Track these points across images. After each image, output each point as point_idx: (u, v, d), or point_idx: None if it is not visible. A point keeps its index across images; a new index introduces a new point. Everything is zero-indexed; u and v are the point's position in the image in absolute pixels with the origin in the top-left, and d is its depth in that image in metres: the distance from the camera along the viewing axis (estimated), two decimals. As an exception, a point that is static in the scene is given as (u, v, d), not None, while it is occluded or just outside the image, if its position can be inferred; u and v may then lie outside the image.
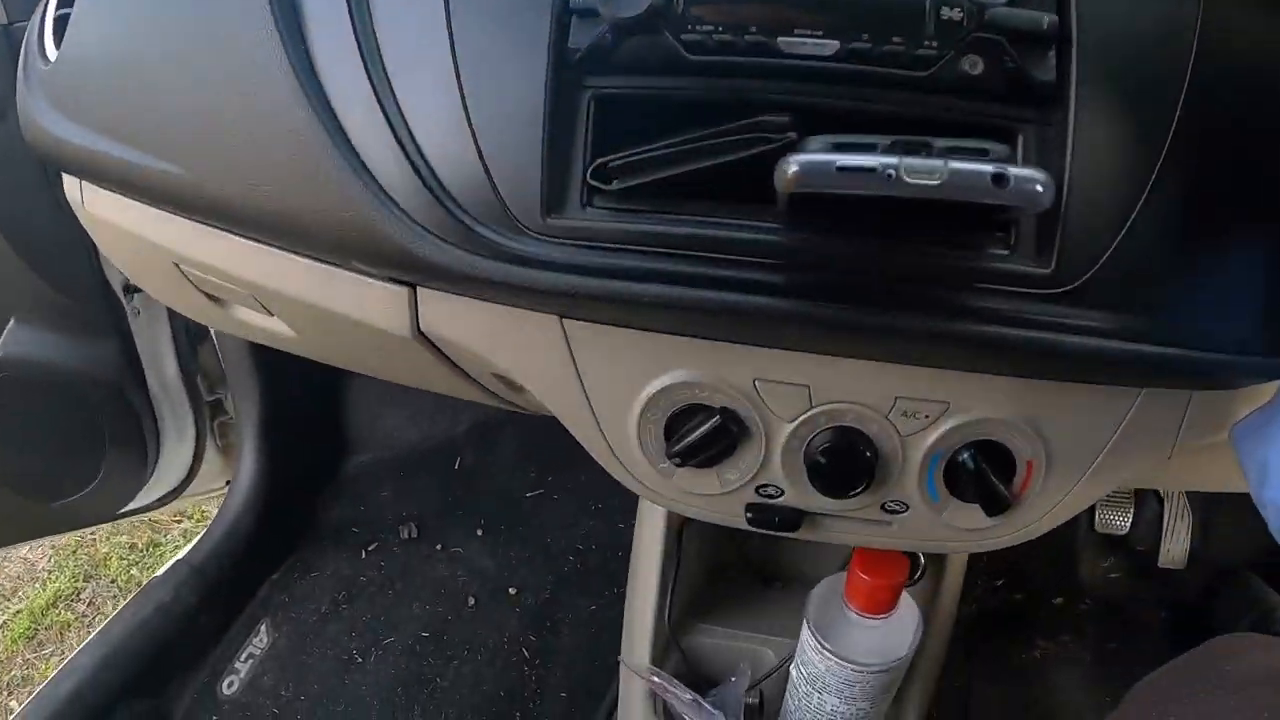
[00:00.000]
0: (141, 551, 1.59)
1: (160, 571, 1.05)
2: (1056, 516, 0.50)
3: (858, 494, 0.46)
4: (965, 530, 0.50)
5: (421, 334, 0.49)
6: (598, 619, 1.05)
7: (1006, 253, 0.37)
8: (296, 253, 0.47)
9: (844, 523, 0.49)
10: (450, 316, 0.47)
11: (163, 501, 1.06)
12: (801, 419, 0.46)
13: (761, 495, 0.49)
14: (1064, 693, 0.92)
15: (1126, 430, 0.44)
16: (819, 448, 0.46)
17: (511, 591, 1.10)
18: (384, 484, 1.24)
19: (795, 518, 0.48)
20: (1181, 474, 0.59)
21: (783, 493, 0.48)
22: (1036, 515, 0.50)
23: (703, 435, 0.45)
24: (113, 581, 1.52)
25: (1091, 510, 0.96)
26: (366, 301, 0.48)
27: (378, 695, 0.99)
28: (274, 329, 0.61)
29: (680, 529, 0.71)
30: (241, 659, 1.04)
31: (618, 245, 0.39)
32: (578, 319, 0.45)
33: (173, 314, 0.96)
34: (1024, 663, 0.95)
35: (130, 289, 0.89)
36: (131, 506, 1.01)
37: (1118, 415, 0.44)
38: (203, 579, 1.03)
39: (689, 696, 0.57)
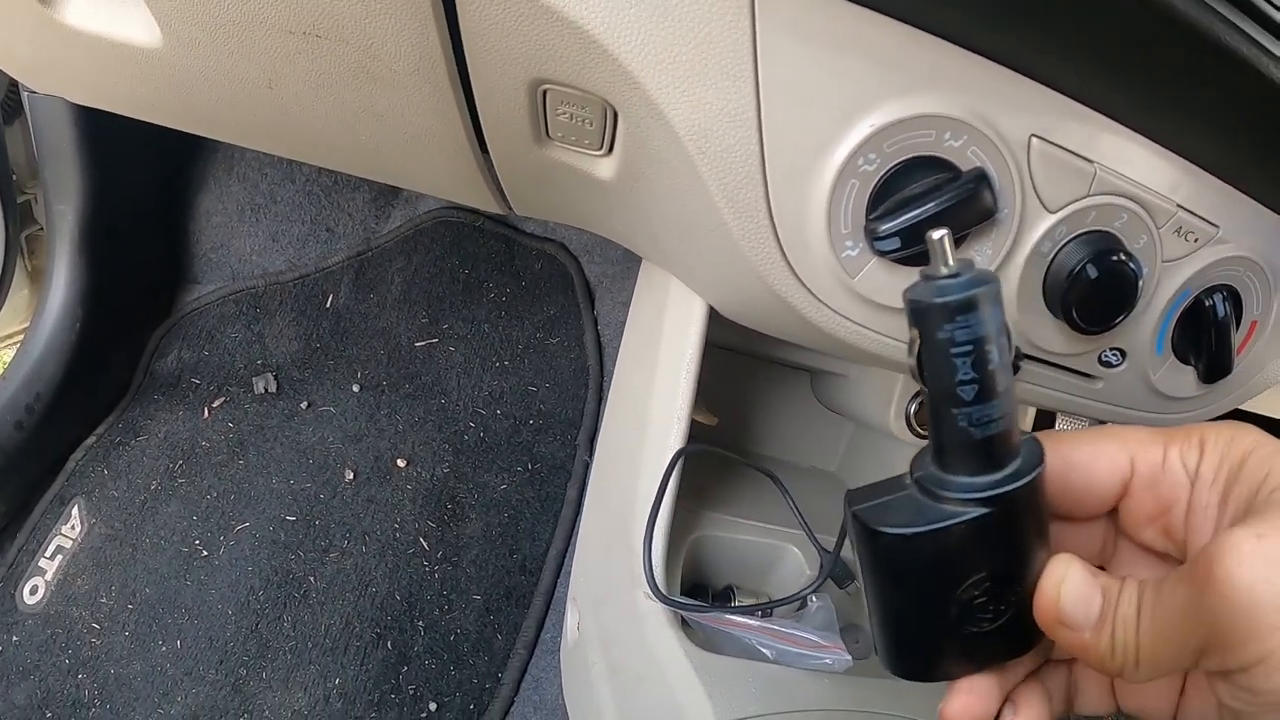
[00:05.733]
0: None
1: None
2: (1241, 397, 0.42)
3: (1114, 327, 0.33)
4: (1167, 399, 0.40)
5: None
6: (511, 501, 0.85)
7: None
8: None
9: (1050, 373, 0.36)
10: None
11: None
12: (1071, 209, 0.32)
13: (969, 321, 0.34)
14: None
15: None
16: (1083, 258, 0.32)
17: (400, 464, 0.87)
18: (233, 323, 0.94)
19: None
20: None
21: (997, 320, 0.34)
22: (1234, 393, 0.41)
23: (941, 205, 0.29)
24: None
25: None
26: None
27: (232, 600, 0.74)
28: (126, 35, 0.40)
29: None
30: (47, 554, 0.74)
31: None
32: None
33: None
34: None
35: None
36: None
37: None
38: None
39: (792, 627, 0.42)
